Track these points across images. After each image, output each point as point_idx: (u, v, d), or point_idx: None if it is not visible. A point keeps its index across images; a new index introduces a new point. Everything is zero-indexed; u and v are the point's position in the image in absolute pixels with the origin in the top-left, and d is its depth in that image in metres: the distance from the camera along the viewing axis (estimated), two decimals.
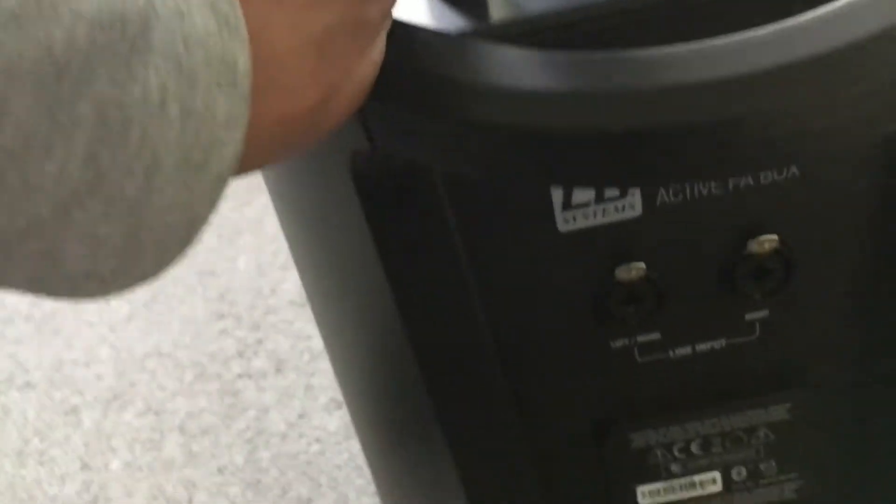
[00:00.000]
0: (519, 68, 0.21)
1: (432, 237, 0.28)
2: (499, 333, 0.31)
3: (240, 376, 0.77)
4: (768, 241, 0.29)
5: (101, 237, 0.16)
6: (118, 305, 0.90)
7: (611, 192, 0.28)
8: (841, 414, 0.34)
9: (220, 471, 0.68)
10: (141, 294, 0.91)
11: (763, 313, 0.31)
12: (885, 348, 0.32)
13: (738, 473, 0.34)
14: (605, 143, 0.20)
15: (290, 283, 0.85)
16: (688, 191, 0.28)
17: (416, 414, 0.35)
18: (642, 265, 0.29)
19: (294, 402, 0.73)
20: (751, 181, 0.28)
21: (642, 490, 0.35)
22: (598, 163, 0.21)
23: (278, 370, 0.76)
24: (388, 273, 0.28)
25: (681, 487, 0.35)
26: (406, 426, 0.38)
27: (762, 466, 0.34)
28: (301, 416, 0.71)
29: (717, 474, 0.34)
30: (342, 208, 0.28)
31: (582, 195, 0.28)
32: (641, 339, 0.32)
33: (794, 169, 0.28)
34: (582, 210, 0.29)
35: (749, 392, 0.33)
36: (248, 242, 0.96)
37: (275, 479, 0.66)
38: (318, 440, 0.68)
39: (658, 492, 0.35)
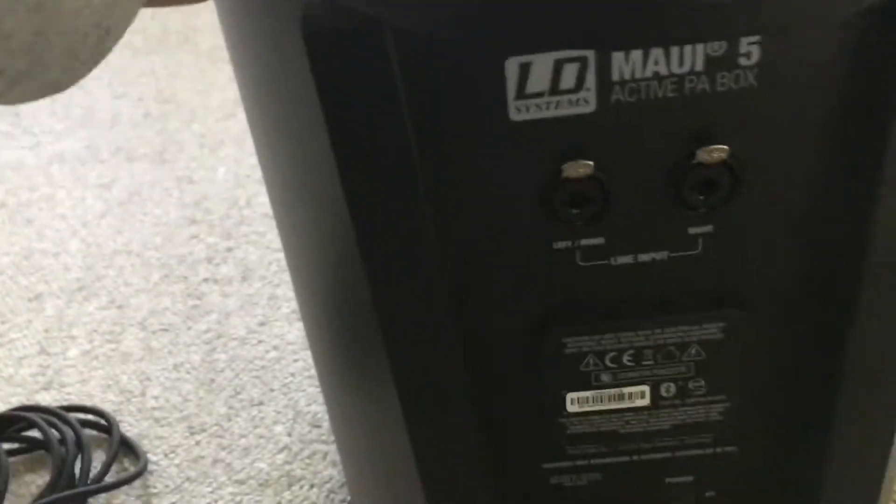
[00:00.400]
0: None
1: (382, 109, 0.27)
2: (442, 222, 0.31)
3: (206, 280, 0.77)
4: (717, 151, 0.29)
5: (6, 31, 0.16)
6: (93, 203, 0.90)
7: (566, 84, 0.28)
8: (773, 340, 0.34)
9: (176, 367, 0.68)
10: (117, 193, 0.91)
11: (707, 228, 0.31)
12: (824, 277, 0.32)
13: (667, 390, 0.35)
14: None
15: (266, 197, 0.85)
16: (643, 91, 0.28)
17: (356, 307, 0.35)
18: (591, 163, 0.29)
19: (256, 310, 0.73)
20: (706, 87, 0.28)
21: (572, 397, 0.35)
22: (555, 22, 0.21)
23: (244, 278, 0.77)
24: (334, 142, 0.28)
25: (609, 398, 0.35)
26: (347, 323, 0.38)
27: (691, 385, 0.35)
28: (262, 324, 0.71)
29: (646, 388, 0.35)
30: (292, 73, 0.27)
31: (537, 84, 0.28)
32: (585, 242, 0.32)
33: (750, 79, 0.28)
34: (535, 100, 0.28)
35: (685, 308, 0.33)
36: (230, 154, 0.95)
37: (228, 380, 0.66)
38: (275, 348, 0.69)
39: (587, 400, 0.35)
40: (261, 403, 0.64)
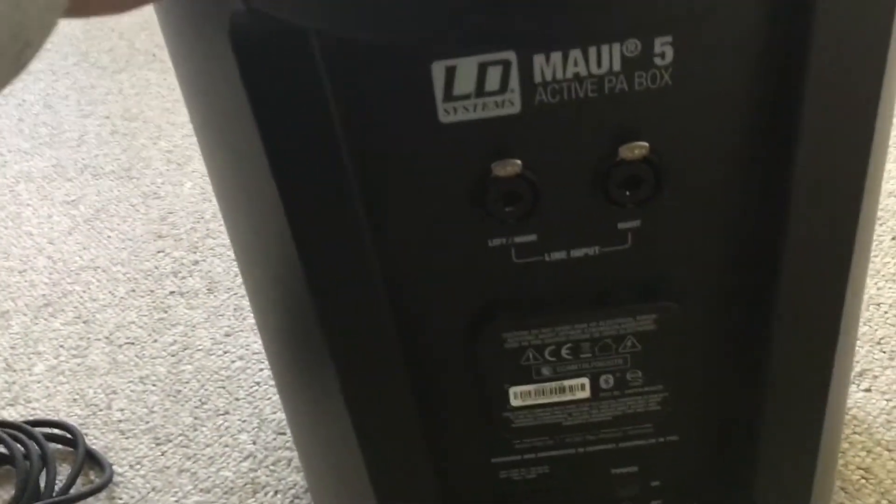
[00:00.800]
0: None
1: (311, 113, 0.28)
2: (376, 222, 0.32)
3: (172, 293, 0.77)
4: (638, 148, 0.30)
5: None
6: (59, 220, 0.90)
7: (491, 86, 0.29)
8: (706, 330, 0.35)
9: (142, 380, 0.68)
10: (83, 210, 0.91)
11: (635, 223, 0.33)
12: (750, 268, 0.33)
13: (606, 382, 0.36)
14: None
15: None
16: (565, 91, 0.29)
17: (299, 312, 0.36)
18: (518, 162, 0.31)
19: (222, 321, 0.73)
20: (625, 86, 0.29)
21: (514, 391, 0.36)
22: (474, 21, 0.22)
23: (210, 290, 0.77)
24: (267, 148, 0.29)
25: (551, 391, 0.36)
26: (292, 328, 0.39)
27: (629, 376, 0.36)
28: (227, 335, 0.72)
29: (585, 381, 0.36)
30: (224, 77, 0.28)
31: (463, 86, 0.29)
32: (518, 239, 0.33)
33: (666, 78, 0.29)
34: (462, 102, 0.30)
35: (619, 301, 0.34)
36: (197, 169, 0.96)
37: (194, 390, 0.67)
38: (241, 357, 0.69)
39: (529, 394, 0.36)
40: (226, 413, 0.65)
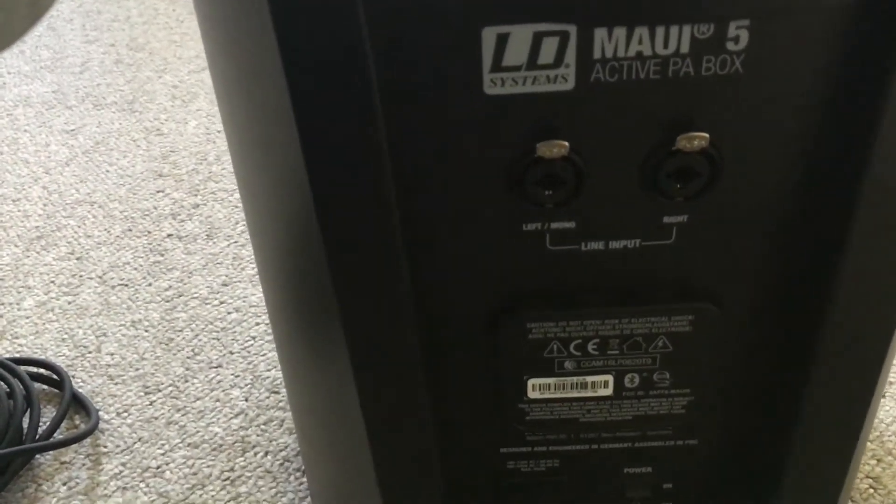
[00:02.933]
0: None
1: (349, 75, 0.26)
2: (407, 197, 0.29)
3: (170, 236, 0.75)
4: (698, 139, 0.28)
5: None
6: (57, 149, 0.87)
7: (545, 59, 0.27)
8: (742, 336, 0.33)
9: (134, 324, 0.66)
10: (82, 141, 0.88)
11: (682, 218, 0.30)
12: (800, 275, 0.31)
13: (631, 381, 0.34)
14: None
15: None
16: (625, 71, 0.27)
17: (316, 290, 0.34)
18: (566, 144, 0.28)
19: (220, 270, 0.71)
20: (691, 70, 0.27)
21: (533, 383, 0.34)
22: None
23: (209, 236, 0.75)
24: (297, 106, 0.26)
25: (572, 386, 0.34)
26: (305, 305, 0.37)
27: (655, 377, 0.34)
28: (225, 284, 0.70)
29: (609, 378, 0.34)
30: (256, 30, 0.26)
31: (514, 56, 0.27)
32: (555, 226, 0.30)
33: (737, 65, 0.27)
34: (512, 74, 0.27)
35: (655, 298, 0.32)
36: (202, 108, 0.93)
37: (187, 340, 0.65)
38: (237, 310, 0.67)
39: (549, 387, 0.34)
40: (219, 366, 0.63)
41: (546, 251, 0.31)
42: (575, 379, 0.34)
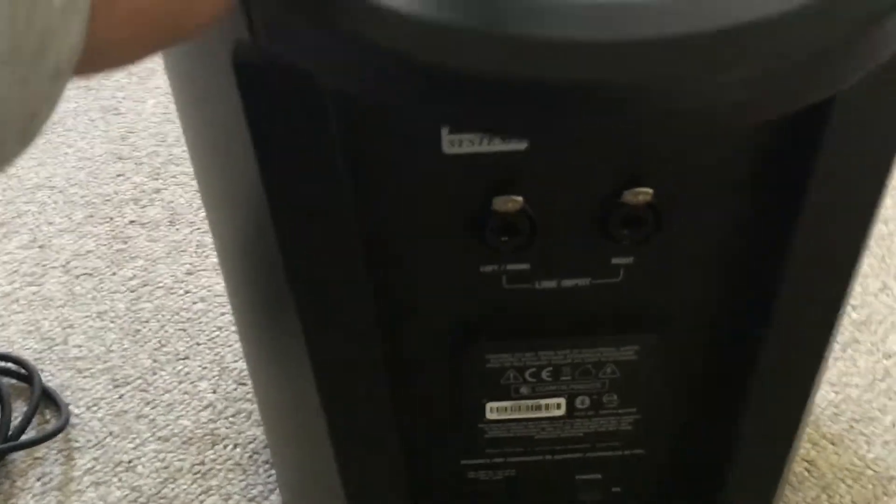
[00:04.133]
0: None
1: (313, 138, 0.27)
2: (370, 242, 0.31)
3: (132, 223, 0.75)
4: (643, 194, 0.30)
5: None
6: None
7: None
8: (685, 362, 0.35)
9: (100, 315, 0.67)
10: None
11: (629, 259, 0.32)
12: (738, 303, 0.34)
13: (582, 402, 0.36)
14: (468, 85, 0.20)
15: None
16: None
17: (280, 310, 0.35)
18: (520, 199, 0.30)
19: (184, 258, 0.72)
20: None
21: (491, 406, 0.36)
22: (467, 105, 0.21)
23: (172, 223, 0.75)
24: (263, 167, 0.28)
25: (527, 408, 0.36)
26: (270, 322, 0.38)
27: (605, 399, 0.36)
28: (189, 273, 0.71)
29: (562, 400, 0.36)
30: (224, 95, 0.27)
31: None
32: (511, 267, 0.32)
33: None
34: (468, 136, 0.28)
35: (604, 329, 0.34)
36: (160, 85, 0.92)
37: (154, 331, 0.66)
38: (202, 299, 0.68)
39: (506, 409, 0.36)
40: (186, 358, 0.64)
41: (502, 289, 0.33)
42: (530, 402, 0.36)
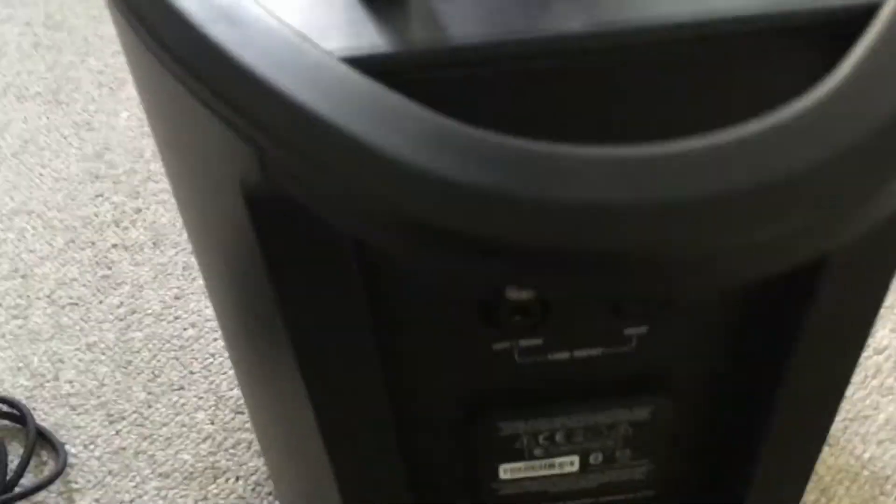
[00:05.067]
0: (435, 143, 0.20)
1: (327, 256, 0.27)
2: (379, 324, 0.31)
3: (115, 246, 0.74)
4: None
5: None
6: None
7: None
8: (697, 418, 0.36)
9: (90, 347, 0.66)
10: (10, 140, 0.85)
11: (642, 329, 0.32)
12: (746, 372, 0.34)
13: (595, 458, 0.36)
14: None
15: None
16: None
17: (279, 364, 0.35)
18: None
19: (171, 281, 0.71)
20: None
21: (504, 468, 0.36)
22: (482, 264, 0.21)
23: (155, 244, 0.74)
24: (275, 284, 0.27)
25: (541, 467, 0.36)
26: (268, 376, 0.38)
27: (618, 454, 0.36)
28: (177, 297, 0.70)
29: (575, 458, 0.36)
30: (229, 208, 0.26)
31: None
32: (523, 343, 0.32)
33: None
34: None
35: (616, 393, 0.34)
36: (132, 95, 0.90)
37: (146, 361, 0.65)
38: (193, 325, 0.68)
39: (519, 469, 0.36)
40: (181, 388, 0.64)
41: (514, 363, 0.33)
42: (543, 462, 0.36)
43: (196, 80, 0.24)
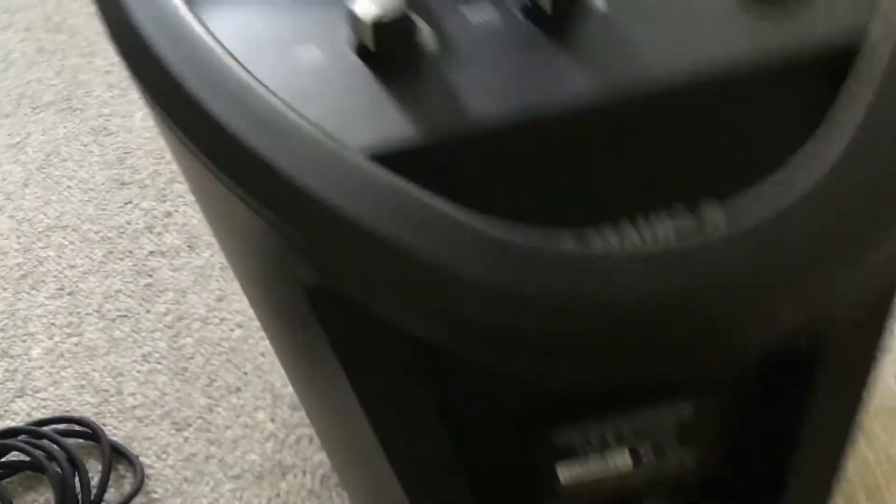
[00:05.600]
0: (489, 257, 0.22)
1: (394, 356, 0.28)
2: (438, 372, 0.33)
3: (152, 253, 0.77)
4: None
5: None
6: (9, 168, 0.86)
7: None
8: (740, 411, 0.38)
9: (145, 358, 0.69)
10: (32, 154, 0.87)
11: None
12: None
13: (646, 453, 0.39)
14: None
15: None
16: None
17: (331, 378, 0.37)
18: None
19: (211, 283, 0.73)
20: None
21: (561, 470, 0.39)
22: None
23: (191, 247, 0.76)
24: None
25: (595, 466, 0.39)
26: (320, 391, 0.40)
27: (667, 449, 0.39)
28: (220, 299, 0.72)
29: (626, 455, 0.39)
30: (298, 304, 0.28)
31: None
32: None
33: None
34: None
35: (663, 394, 0.36)
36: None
37: (200, 366, 0.68)
38: (239, 325, 0.70)
39: (576, 469, 0.39)
40: (238, 389, 0.67)
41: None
42: (598, 461, 0.39)
43: (248, 194, 0.26)
